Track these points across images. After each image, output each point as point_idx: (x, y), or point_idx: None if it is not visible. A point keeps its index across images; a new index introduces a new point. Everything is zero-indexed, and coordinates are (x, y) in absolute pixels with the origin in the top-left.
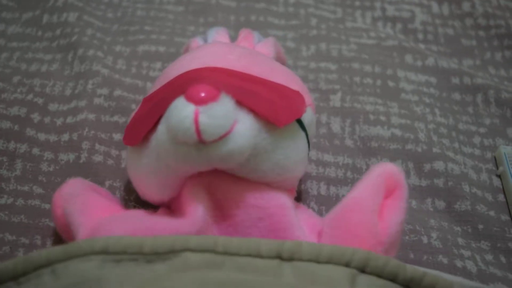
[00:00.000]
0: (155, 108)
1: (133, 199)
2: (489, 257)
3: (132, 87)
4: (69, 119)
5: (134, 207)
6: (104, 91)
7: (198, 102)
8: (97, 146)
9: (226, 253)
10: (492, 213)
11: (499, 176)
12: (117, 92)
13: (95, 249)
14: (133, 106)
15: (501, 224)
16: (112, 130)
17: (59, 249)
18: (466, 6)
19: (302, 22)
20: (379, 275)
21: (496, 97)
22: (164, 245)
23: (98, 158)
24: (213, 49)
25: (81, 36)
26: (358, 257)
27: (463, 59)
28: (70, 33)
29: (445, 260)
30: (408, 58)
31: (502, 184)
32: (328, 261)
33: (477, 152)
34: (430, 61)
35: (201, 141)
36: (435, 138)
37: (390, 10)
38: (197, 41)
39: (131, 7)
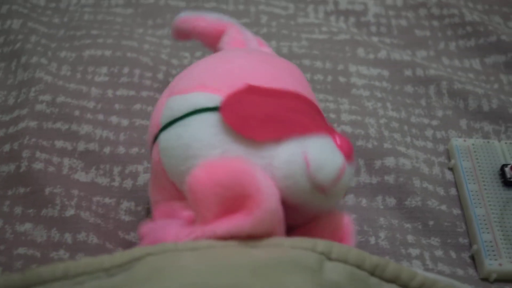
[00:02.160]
0: (286, 122)
1: (74, 204)
2: (439, 253)
3: (76, 93)
4: (11, 129)
5: (74, 214)
6: (47, 97)
7: (348, 158)
8: (37, 154)
9: (185, 249)
10: (443, 207)
11: (451, 169)
12: (60, 99)
13: (56, 276)
14: (77, 112)
15: (452, 219)
16: (55, 137)
17: (17, 278)
18: None
19: (252, 20)
20: (345, 261)
21: (449, 88)
22: (124, 256)
23: (38, 166)
24: (295, 70)
25: (25, 43)
26: (322, 243)
27: (417, 50)
28: (13, 41)
29: (391, 261)
30: (360, 52)
31: (454, 177)
32: (293, 247)
33: (429, 145)
34: (382, 54)
35: (321, 191)
36: (386, 133)
37: (343, 4)
38: (241, 32)
39: (79, 12)
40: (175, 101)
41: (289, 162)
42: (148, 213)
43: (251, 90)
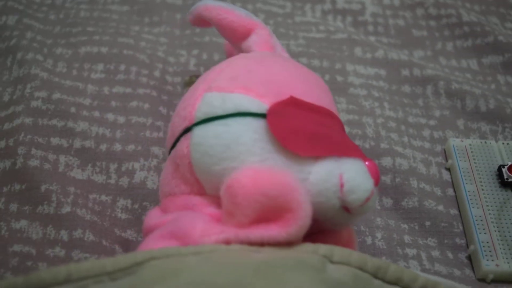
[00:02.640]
0: (326, 140)
1: (70, 201)
2: (436, 253)
3: (72, 89)
4: (6, 126)
5: (70, 211)
6: (43, 94)
7: (376, 183)
8: (33, 150)
9: (188, 254)
10: (440, 207)
11: (448, 169)
12: (56, 95)
13: (58, 280)
14: (73, 109)
15: (449, 219)
16: (50, 134)
17: (19, 282)
18: None
19: None
20: (347, 263)
21: (446, 88)
22: (128, 259)
23: (34, 162)
24: (323, 84)
25: (20, 39)
26: (323, 247)
27: (414, 50)
28: (9, 37)
29: (388, 261)
30: (358, 51)
31: (451, 178)
32: (295, 250)
33: (426, 145)
34: (379, 54)
35: (347, 210)
36: (383, 133)
37: (340, 3)
38: (271, 35)
39: (75, 8)
40: (216, 98)
41: (325, 180)
42: (144, 211)
43: (295, 103)
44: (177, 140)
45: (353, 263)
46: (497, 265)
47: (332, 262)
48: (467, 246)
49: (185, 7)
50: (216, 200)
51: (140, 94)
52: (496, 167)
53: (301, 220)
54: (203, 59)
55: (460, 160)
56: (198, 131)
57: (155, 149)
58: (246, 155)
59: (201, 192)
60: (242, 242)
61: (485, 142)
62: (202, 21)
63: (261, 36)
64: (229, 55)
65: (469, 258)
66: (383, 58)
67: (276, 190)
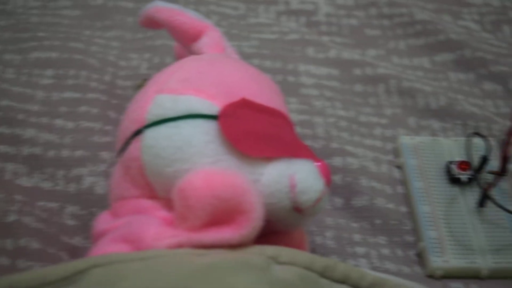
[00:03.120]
0: (277, 141)
1: (16, 209)
2: (385, 251)
3: (20, 96)
4: None
5: (15, 220)
6: None
7: (328, 183)
8: None
9: (132, 260)
10: (391, 205)
11: (398, 167)
12: (4, 102)
13: None
14: (21, 116)
15: (399, 216)
16: None
17: None
18: None
19: None
20: (294, 263)
21: (398, 87)
22: (68, 268)
23: None
24: (274, 86)
25: None
26: (271, 248)
27: (367, 49)
28: None
29: (338, 260)
30: (310, 51)
31: (401, 175)
32: (240, 252)
33: (378, 144)
34: (332, 53)
35: (298, 211)
36: (334, 132)
37: (294, 4)
38: (222, 37)
39: (26, 14)
40: (167, 100)
41: (277, 182)
42: (92, 217)
43: (246, 104)
44: (127, 143)
45: (300, 263)
46: (445, 261)
47: (279, 262)
48: (417, 243)
49: (137, 10)
50: (168, 203)
51: (90, 98)
52: (445, 164)
53: (254, 222)
54: (155, 62)
55: (410, 158)
56: (149, 133)
57: (104, 154)
58: (198, 157)
59: (153, 195)
60: (195, 245)
61: (434, 139)
62: (153, 23)
63: (212, 38)
64: (179, 57)
65: (418, 255)
66: (336, 57)
67: (228, 192)
